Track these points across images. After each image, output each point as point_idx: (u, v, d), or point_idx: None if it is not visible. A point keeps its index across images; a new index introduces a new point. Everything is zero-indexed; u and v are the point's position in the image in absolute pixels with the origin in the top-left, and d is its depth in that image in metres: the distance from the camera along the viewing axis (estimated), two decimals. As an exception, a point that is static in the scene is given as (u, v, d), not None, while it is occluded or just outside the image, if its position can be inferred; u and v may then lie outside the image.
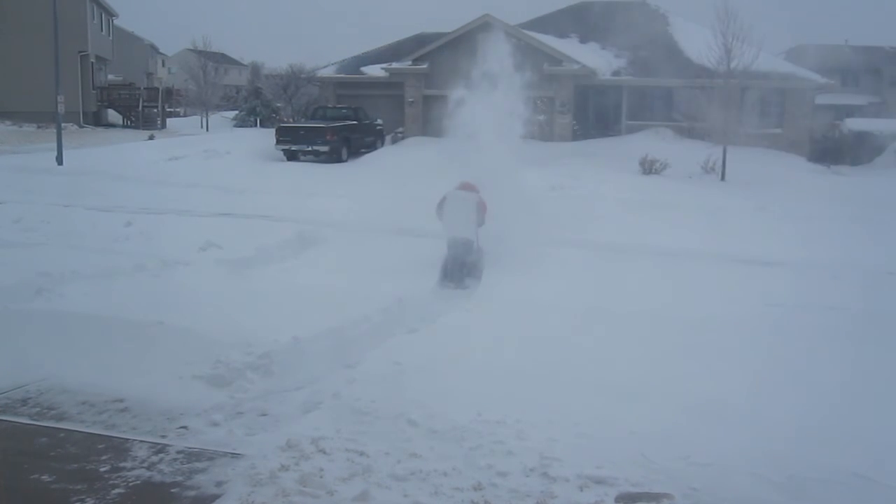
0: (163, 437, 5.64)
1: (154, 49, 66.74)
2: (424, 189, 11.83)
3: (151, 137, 31.47)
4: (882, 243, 13.67)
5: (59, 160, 21.94)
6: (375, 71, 31.61)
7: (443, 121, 12.41)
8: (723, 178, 22.42)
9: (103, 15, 42.54)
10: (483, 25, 29.21)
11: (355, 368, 6.90)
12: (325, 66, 34.29)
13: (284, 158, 25.42)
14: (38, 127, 33.15)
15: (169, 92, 45.49)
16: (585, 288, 9.54)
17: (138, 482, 4.93)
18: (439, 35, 30.59)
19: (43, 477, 4.97)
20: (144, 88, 44.37)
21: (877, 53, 52.43)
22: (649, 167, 22.44)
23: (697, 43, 25.52)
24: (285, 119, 35.34)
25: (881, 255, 12.59)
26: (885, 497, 4.87)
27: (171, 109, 45.42)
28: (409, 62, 30.00)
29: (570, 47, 30.14)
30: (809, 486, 4.91)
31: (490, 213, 10.96)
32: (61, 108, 23.08)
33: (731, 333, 8.02)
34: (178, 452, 5.37)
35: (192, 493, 4.81)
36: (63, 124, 23.52)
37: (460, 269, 10.76)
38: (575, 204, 15.95)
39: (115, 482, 4.91)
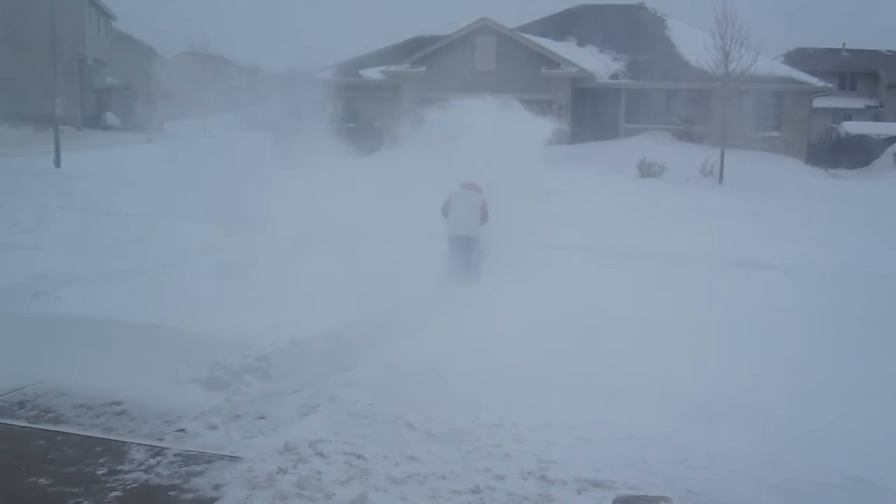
0: (160, 439, 5.64)
1: (152, 52, 66.69)
2: (422, 190, 11.82)
3: (149, 140, 31.46)
4: (881, 246, 13.69)
5: (57, 163, 21.95)
6: (373, 74, 31.65)
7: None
8: (721, 181, 22.48)
9: (101, 18, 42.54)
10: (481, 28, 29.31)
11: (353, 371, 6.89)
12: (322, 69, 34.32)
13: (282, 161, 25.42)
14: (36, 130, 33.14)
15: (167, 94, 45.49)
16: (584, 291, 9.53)
17: (136, 485, 4.92)
18: (437, 38, 30.65)
19: (40, 480, 4.97)
20: (142, 91, 44.37)
21: (874, 57, 52.53)
22: (647, 170, 22.50)
23: (696, 46, 25.61)
24: (282, 122, 35.29)
25: (880, 257, 12.61)
26: (882, 500, 4.88)
27: (169, 112, 45.41)
28: (407, 65, 30.06)
29: (568, 50, 30.22)
30: (807, 489, 4.92)
31: (491, 214, 10.97)
32: (59, 111, 23.08)
33: (728, 336, 8.02)
34: (176, 455, 5.36)
35: (189, 496, 4.81)
36: (61, 127, 23.52)
37: (464, 267, 10.74)
38: (573, 207, 15.95)
39: (113, 485, 4.91)
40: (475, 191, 11.01)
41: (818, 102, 33.71)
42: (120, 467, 5.16)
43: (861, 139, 30.90)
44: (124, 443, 5.55)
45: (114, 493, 4.81)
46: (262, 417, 6.12)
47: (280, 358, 7.03)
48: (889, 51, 53.48)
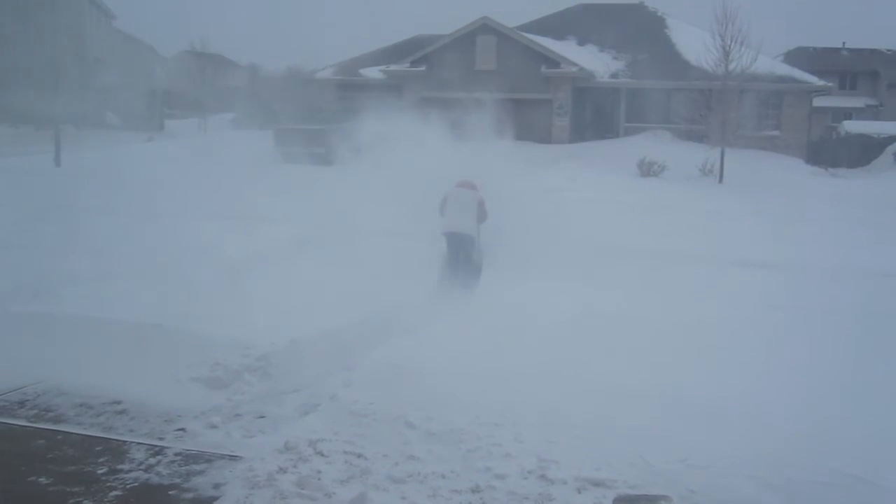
0: (160, 439, 5.65)
1: (152, 51, 66.70)
2: (422, 190, 11.83)
3: (150, 139, 31.47)
4: (880, 245, 13.68)
5: (57, 162, 21.95)
6: (373, 73, 31.64)
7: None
8: (721, 180, 22.46)
9: (102, 16, 42.53)
10: (481, 28, 29.30)
11: (353, 371, 6.90)
12: (323, 69, 34.32)
13: (283, 160, 25.46)
14: (36, 129, 33.11)
15: (167, 94, 45.50)
16: (583, 290, 9.53)
17: (136, 484, 4.93)
18: (437, 37, 30.64)
19: (40, 479, 4.97)
20: (143, 90, 44.34)
21: (874, 56, 52.53)
22: (647, 169, 22.48)
23: (695, 45, 25.60)
24: (283, 121, 35.36)
25: (879, 257, 12.60)
26: (882, 499, 4.88)
27: (170, 111, 45.44)
28: (407, 64, 30.04)
29: (568, 49, 30.21)
30: (807, 488, 4.92)
31: (489, 213, 10.99)
32: (59, 110, 23.08)
33: (729, 335, 8.02)
34: (176, 455, 5.37)
35: (189, 495, 4.81)
36: (61, 126, 23.51)
37: (464, 266, 10.73)
38: (573, 206, 15.95)
39: (113, 484, 4.91)
40: (471, 189, 11.01)
41: (818, 101, 33.70)
42: (120, 466, 5.16)
43: (861, 138, 30.91)
44: (124, 442, 5.55)
45: (114, 493, 4.81)
46: (263, 417, 6.13)
47: (280, 357, 7.03)
48: (889, 50, 53.48)
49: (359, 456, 5.28)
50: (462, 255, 10.75)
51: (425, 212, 11.34)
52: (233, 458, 5.31)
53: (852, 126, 33.94)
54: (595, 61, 30.10)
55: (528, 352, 7.16)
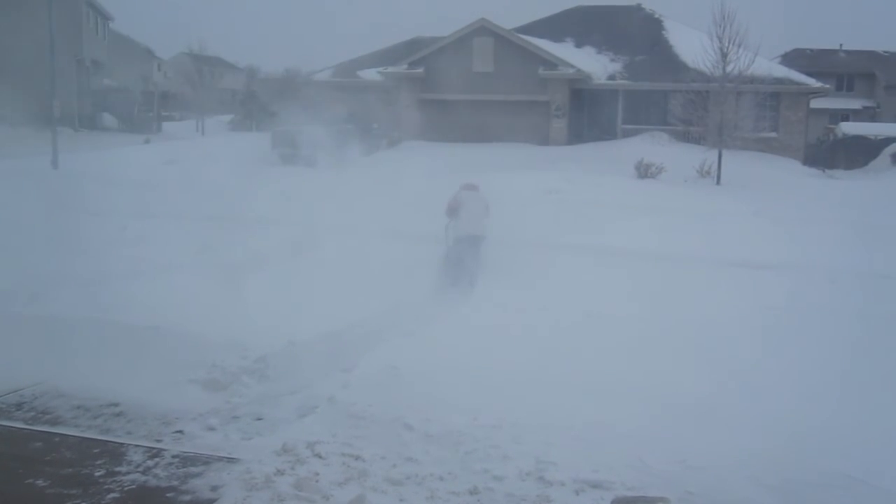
0: (158, 441, 5.64)
1: (150, 53, 66.69)
2: (421, 192, 11.84)
3: (147, 141, 31.45)
4: (877, 247, 13.69)
5: (55, 164, 21.91)
6: (371, 75, 31.64)
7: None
8: (718, 181, 22.46)
9: (99, 18, 42.49)
10: (479, 30, 29.32)
11: (351, 372, 6.89)
12: (320, 70, 34.31)
13: (280, 162, 25.45)
14: (35, 131, 33.04)
15: (164, 96, 45.48)
16: (581, 292, 9.54)
17: (133, 487, 4.92)
18: (435, 39, 30.65)
19: (38, 482, 4.96)
20: (140, 92, 44.34)
21: (871, 57, 52.61)
22: (645, 171, 22.46)
23: (693, 47, 25.60)
24: (281, 123, 35.34)
25: (876, 258, 12.61)
26: (880, 500, 4.88)
27: (167, 113, 45.43)
28: (405, 66, 30.02)
29: (565, 51, 30.22)
30: (805, 489, 4.93)
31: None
32: (57, 112, 23.04)
33: (727, 337, 8.03)
34: (174, 457, 5.36)
35: (187, 497, 4.81)
36: (58, 128, 23.47)
37: (471, 267, 10.78)
38: (570, 208, 15.95)
39: (111, 487, 4.91)
40: (478, 191, 11.24)
41: (815, 103, 33.73)
42: (118, 469, 5.15)
43: (858, 140, 30.93)
44: (122, 444, 5.55)
45: (111, 495, 4.81)
46: (260, 419, 6.12)
47: (278, 359, 7.03)
48: (886, 51, 53.57)
49: (357, 458, 5.28)
50: (472, 256, 10.88)
51: (423, 213, 11.35)
52: (230, 460, 5.30)
53: (849, 128, 33.97)
54: (592, 63, 30.11)
55: (526, 354, 7.16)
